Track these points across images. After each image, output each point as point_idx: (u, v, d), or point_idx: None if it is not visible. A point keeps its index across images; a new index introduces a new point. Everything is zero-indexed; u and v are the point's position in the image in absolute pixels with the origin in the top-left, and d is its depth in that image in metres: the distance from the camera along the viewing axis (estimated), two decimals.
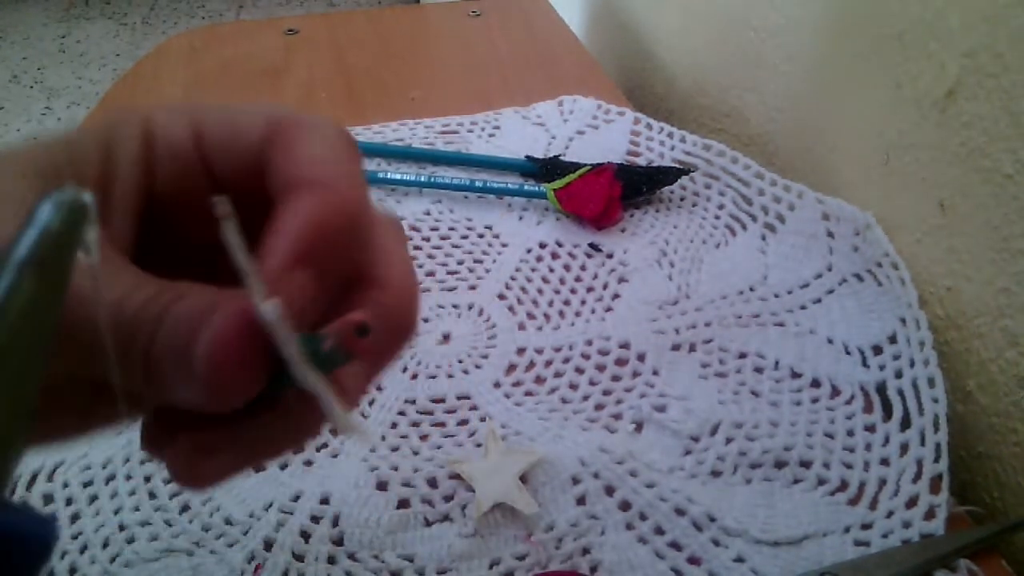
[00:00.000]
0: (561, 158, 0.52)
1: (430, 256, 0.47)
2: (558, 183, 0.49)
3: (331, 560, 0.32)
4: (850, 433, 0.36)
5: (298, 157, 0.19)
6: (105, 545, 0.32)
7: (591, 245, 0.47)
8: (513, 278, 0.45)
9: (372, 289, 0.20)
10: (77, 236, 0.13)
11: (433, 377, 0.40)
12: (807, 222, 0.46)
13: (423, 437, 0.37)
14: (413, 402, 0.38)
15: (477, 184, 0.50)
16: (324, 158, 0.19)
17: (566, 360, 0.40)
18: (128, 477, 0.35)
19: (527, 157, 0.52)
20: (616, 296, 0.44)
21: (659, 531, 0.33)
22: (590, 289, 0.44)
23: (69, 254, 0.13)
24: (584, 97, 0.59)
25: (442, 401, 0.38)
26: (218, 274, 0.18)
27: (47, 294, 0.13)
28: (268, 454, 0.19)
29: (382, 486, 0.34)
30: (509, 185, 0.50)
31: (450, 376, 0.40)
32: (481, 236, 0.48)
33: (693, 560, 0.32)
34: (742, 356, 0.40)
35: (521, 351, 0.41)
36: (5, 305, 0.12)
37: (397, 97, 0.61)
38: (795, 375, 0.39)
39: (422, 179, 0.50)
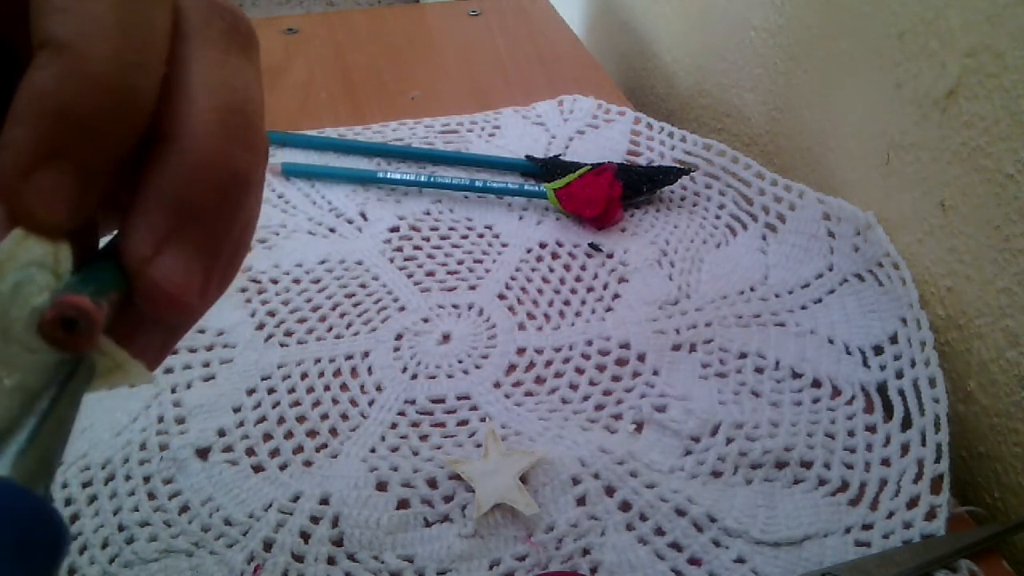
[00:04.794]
0: (561, 158, 0.52)
1: (430, 256, 0.47)
2: (558, 183, 0.49)
3: (331, 561, 0.32)
4: (851, 433, 0.36)
5: (47, 1, 0.15)
6: (104, 546, 0.32)
7: (591, 245, 0.47)
8: (513, 278, 0.45)
9: (163, 147, 0.16)
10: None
11: (433, 377, 0.39)
12: (808, 222, 0.46)
13: (423, 437, 0.37)
14: (413, 402, 0.38)
15: (477, 184, 0.50)
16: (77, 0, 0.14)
17: (566, 360, 0.40)
18: (127, 477, 0.35)
19: (527, 157, 0.52)
20: (616, 296, 0.44)
21: (659, 532, 0.33)
22: (590, 289, 0.44)
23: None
24: (584, 97, 0.59)
25: (442, 401, 0.38)
26: None
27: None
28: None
29: (382, 487, 0.34)
30: (509, 185, 0.50)
31: (450, 376, 0.39)
32: (481, 236, 0.48)
33: (693, 561, 0.32)
34: (742, 356, 0.40)
35: (521, 351, 0.41)
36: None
37: (397, 97, 0.61)
38: (796, 375, 0.39)
39: (422, 179, 0.50)
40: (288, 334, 0.42)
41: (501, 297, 0.44)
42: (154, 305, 0.17)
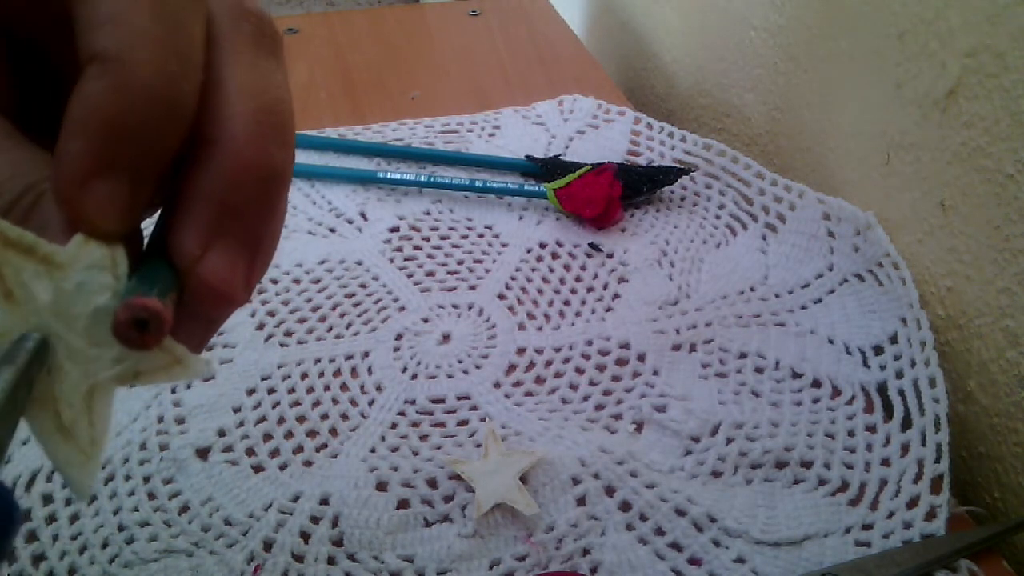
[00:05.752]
0: (561, 158, 0.52)
1: (430, 256, 0.47)
2: (558, 183, 0.49)
3: (331, 561, 0.32)
4: (851, 433, 0.36)
5: (93, 15, 0.15)
6: (104, 545, 0.32)
7: (591, 245, 0.47)
8: (513, 278, 0.45)
9: (205, 150, 0.17)
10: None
11: (433, 377, 0.39)
12: (808, 222, 0.46)
13: (423, 437, 0.37)
14: (413, 402, 0.38)
15: (477, 184, 0.50)
16: (121, 13, 0.15)
17: (566, 360, 0.40)
18: (127, 477, 0.35)
19: (527, 157, 0.52)
20: (616, 296, 0.44)
21: (659, 532, 0.33)
22: (590, 289, 0.44)
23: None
24: (584, 97, 0.59)
25: (442, 401, 0.38)
26: None
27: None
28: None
29: (382, 486, 0.34)
30: (509, 185, 0.50)
31: (450, 376, 0.39)
32: (481, 236, 0.48)
33: (693, 561, 0.32)
34: (742, 356, 0.40)
35: (521, 351, 0.41)
36: None
37: (397, 97, 0.61)
38: (796, 375, 0.39)
39: (422, 179, 0.50)
40: (288, 334, 0.42)
41: (501, 297, 0.44)
42: (203, 300, 0.17)
